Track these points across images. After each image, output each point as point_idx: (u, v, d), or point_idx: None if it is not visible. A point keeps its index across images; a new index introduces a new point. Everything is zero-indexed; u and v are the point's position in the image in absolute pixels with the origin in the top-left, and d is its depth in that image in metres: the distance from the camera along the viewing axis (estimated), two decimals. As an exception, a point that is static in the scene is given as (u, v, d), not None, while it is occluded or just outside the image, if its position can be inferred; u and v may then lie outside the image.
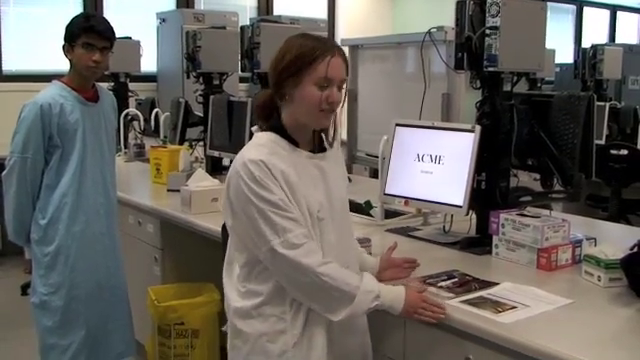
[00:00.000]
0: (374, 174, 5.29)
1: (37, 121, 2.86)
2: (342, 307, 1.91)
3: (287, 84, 1.93)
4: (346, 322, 1.97)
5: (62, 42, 2.94)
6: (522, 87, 2.87)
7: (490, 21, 2.53)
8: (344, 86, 1.97)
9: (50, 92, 2.93)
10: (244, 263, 1.98)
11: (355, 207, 3.37)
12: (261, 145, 1.95)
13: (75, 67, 2.95)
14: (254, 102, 2.13)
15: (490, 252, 2.54)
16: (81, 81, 2.99)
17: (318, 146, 2.05)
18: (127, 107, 5.61)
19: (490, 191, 2.63)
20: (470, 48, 2.58)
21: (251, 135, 2.07)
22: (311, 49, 1.92)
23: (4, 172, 2.94)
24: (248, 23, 4.44)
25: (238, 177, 1.90)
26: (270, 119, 2.01)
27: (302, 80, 1.91)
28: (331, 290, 1.89)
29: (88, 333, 3.04)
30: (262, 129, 2.01)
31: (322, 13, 8.63)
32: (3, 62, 6.59)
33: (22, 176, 2.90)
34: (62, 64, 3.05)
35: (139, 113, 5.24)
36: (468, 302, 2.04)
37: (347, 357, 2.07)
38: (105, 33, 2.93)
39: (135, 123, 5.36)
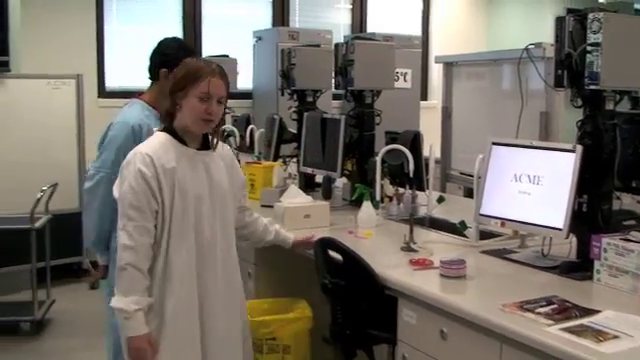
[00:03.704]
0: (469, 193, 5.21)
1: (129, 141, 2.93)
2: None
3: (178, 96, 2.39)
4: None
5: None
6: (624, 106, 2.77)
7: (591, 37, 2.46)
8: (223, 101, 2.43)
9: (137, 112, 3.05)
10: None
11: (449, 227, 3.34)
12: (154, 142, 2.42)
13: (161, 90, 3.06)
14: (161, 110, 2.64)
15: (591, 278, 2.46)
16: (160, 99, 3.10)
17: (204, 145, 2.51)
18: (224, 124, 5.71)
19: (592, 214, 2.55)
20: (570, 65, 2.51)
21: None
22: (196, 69, 2.38)
23: (88, 185, 3.02)
24: (342, 41, 4.45)
25: (128, 163, 2.38)
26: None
27: (188, 94, 2.37)
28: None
29: None
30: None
31: (416, 30, 8.60)
32: (106, 78, 6.85)
33: (108, 192, 2.97)
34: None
35: (235, 130, 5.33)
36: (568, 330, 1.98)
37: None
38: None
39: (231, 139, 5.46)
